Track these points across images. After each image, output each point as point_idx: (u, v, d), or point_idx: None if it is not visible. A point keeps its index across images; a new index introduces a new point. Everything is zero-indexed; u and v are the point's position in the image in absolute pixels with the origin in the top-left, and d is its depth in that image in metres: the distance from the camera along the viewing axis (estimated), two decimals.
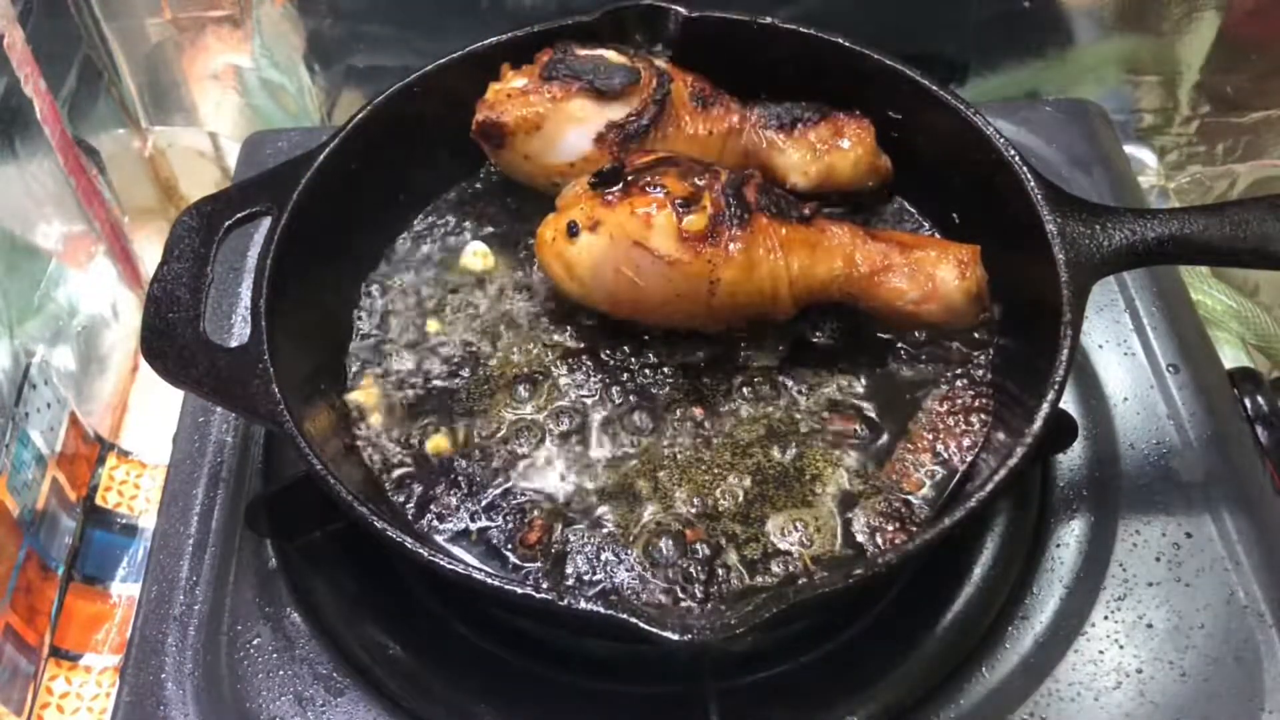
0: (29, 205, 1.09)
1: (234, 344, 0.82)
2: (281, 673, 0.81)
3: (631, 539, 0.79)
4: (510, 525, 0.80)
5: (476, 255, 0.96)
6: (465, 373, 0.89)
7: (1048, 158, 1.12)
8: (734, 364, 0.88)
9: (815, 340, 0.90)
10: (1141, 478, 0.89)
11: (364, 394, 0.88)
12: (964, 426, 0.84)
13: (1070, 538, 0.86)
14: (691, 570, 0.77)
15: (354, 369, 0.90)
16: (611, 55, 0.93)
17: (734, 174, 0.84)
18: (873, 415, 0.85)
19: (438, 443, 0.85)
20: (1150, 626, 0.81)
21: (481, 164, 1.00)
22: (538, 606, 0.68)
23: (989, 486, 0.70)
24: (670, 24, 0.96)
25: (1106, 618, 0.82)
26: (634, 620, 0.63)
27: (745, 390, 0.87)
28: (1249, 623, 0.81)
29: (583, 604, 0.66)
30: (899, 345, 0.89)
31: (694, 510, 0.81)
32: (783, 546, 0.79)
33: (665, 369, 0.88)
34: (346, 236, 0.92)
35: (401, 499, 0.82)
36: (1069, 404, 0.93)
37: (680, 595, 0.77)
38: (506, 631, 0.83)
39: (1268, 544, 0.85)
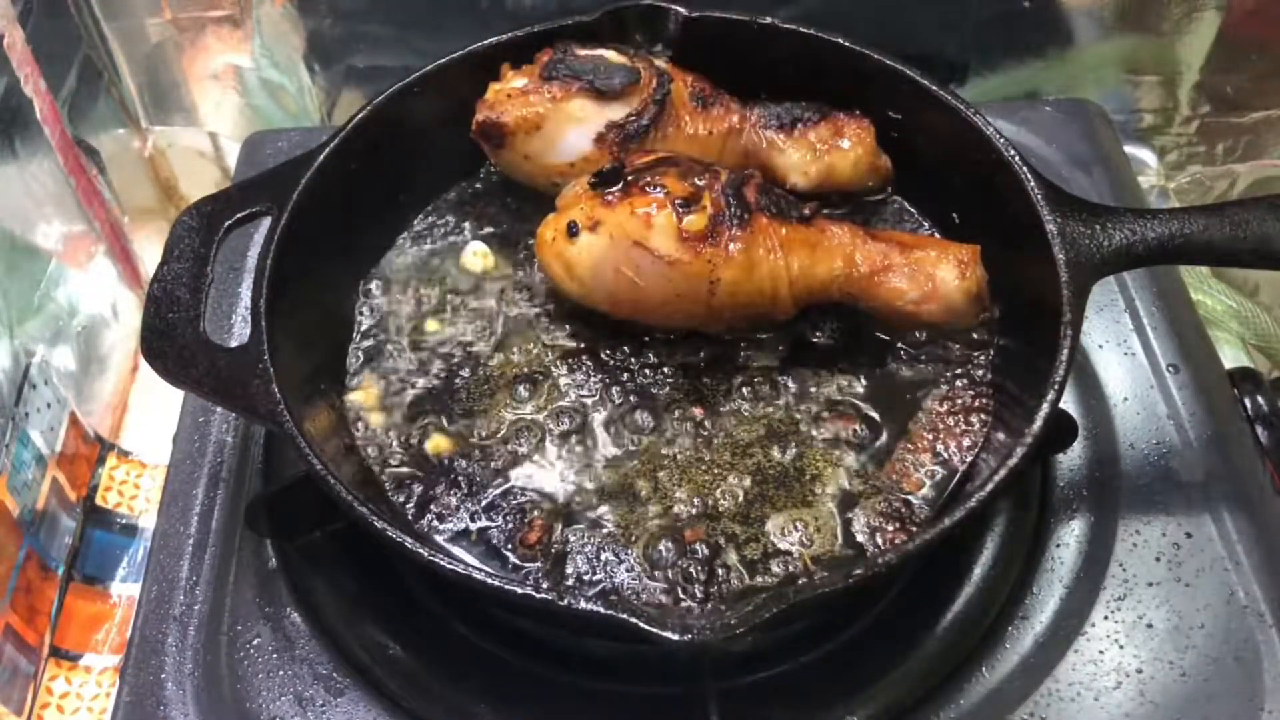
0: (29, 205, 1.09)
1: (234, 344, 0.82)
2: (281, 673, 0.81)
3: (631, 539, 0.79)
4: (510, 525, 0.80)
5: (476, 255, 0.96)
6: (465, 373, 0.89)
7: (1048, 158, 1.12)
8: (734, 364, 0.88)
9: (815, 340, 0.90)
10: (1141, 478, 0.89)
11: (364, 394, 0.88)
12: (964, 426, 0.84)
13: (1070, 538, 0.86)
14: (691, 570, 0.77)
15: (354, 369, 0.90)
16: (611, 55, 0.93)
17: (734, 174, 0.84)
18: (873, 415, 0.85)
19: (438, 443, 0.85)
20: (1150, 626, 0.81)
21: (481, 164, 1.00)
22: (538, 606, 0.68)
23: (989, 486, 0.70)
24: (670, 24, 0.96)
25: (1106, 618, 0.82)
26: (634, 620, 0.63)
27: (745, 390, 0.87)
28: (1249, 623, 0.81)
29: (583, 604, 0.66)
30: (899, 345, 0.89)
31: (694, 510, 0.81)
32: (783, 546, 0.79)
33: (665, 369, 0.88)
34: (346, 236, 0.92)
35: (401, 499, 0.82)
36: (1069, 404, 0.93)
37: (680, 595, 0.77)
38: (506, 631, 0.83)
39: (1268, 544, 0.85)
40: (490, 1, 1.20)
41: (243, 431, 0.94)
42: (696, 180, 0.83)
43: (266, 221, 0.85)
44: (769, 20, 0.95)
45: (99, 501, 1.11)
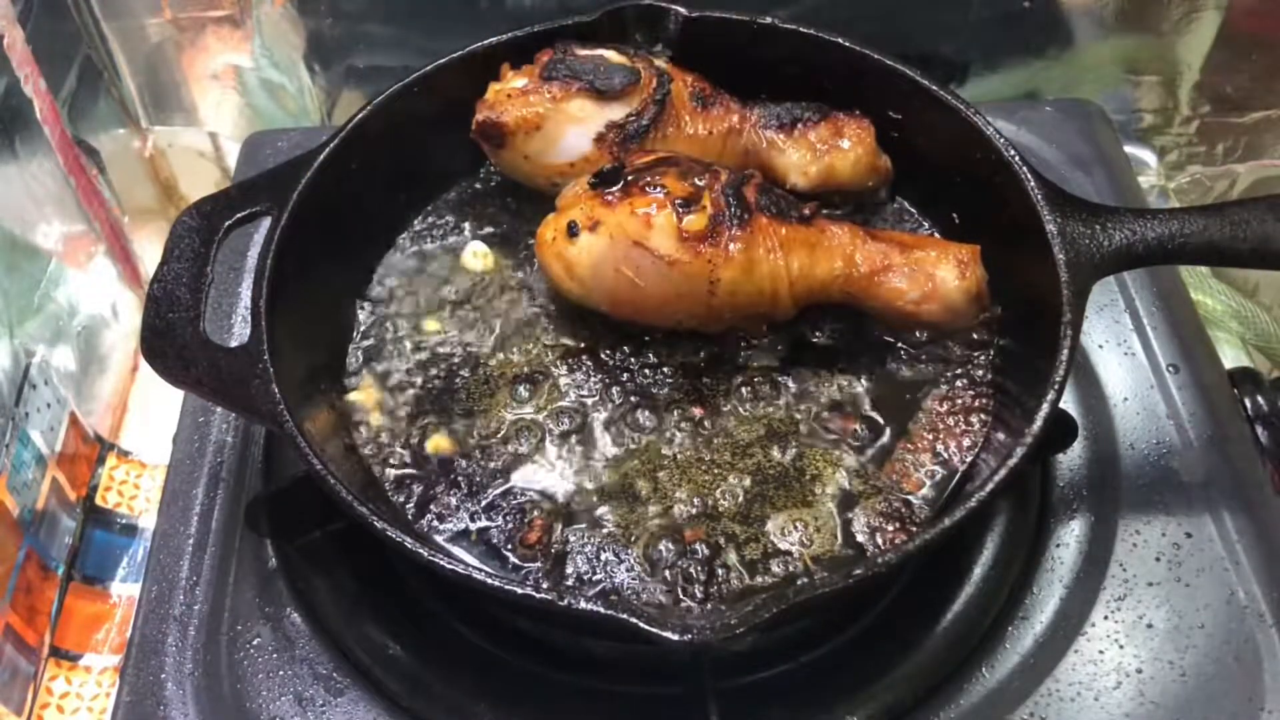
0: (29, 205, 1.09)
1: (234, 344, 0.82)
2: (281, 673, 0.81)
3: (631, 539, 0.79)
4: (510, 525, 0.80)
5: (476, 255, 0.96)
6: (465, 373, 0.89)
7: (1048, 158, 1.12)
8: (734, 364, 0.88)
9: (815, 340, 0.90)
10: (1141, 478, 0.89)
11: (364, 394, 0.88)
12: (964, 426, 0.84)
13: (1070, 538, 0.86)
14: (691, 570, 0.77)
15: (354, 369, 0.90)
16: (611, 55, 0.93)
17: (734, 174, 0.84)
18: (873, 415, 0.85)
19: (438, 443, 0.85)
20: (1150, 626, 0.81)
21: (481, 164, 1.00)
22: (538, 606, 0.68)
23: (989, 486, 0.70)
24: (670, 24, 0.96)
25: (1106, 618, 0.82)
26: (634, 620, 0.63)
27: (745, 390, 0.87)
28: (1249, 623, 0.81)
29: (583, 604, 0.66)
30: (899, 345, 0.89)
31: (694, 510, 0.81)
32: (783, 546, 0.79)
33: (665, 369, 0.88)
34: (346, 236, 0.92)
35: (401, 499, 0.82)
36: (1069, 404, 0.93)
37: (680, 595, 0.77)
38: (506, 631, 0.83)
39: (1268, 544, 0.85)
40: (490, 1, 1.20)
41: (243, 431, 0.94)
42: (696, 180, 0.83)
43: (266, 221, 0.85)
44: (769, 20, 0.95)
45: (99, 501, 1.11)
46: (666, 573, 0.77)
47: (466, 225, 0.99)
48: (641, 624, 0.63)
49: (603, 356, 0.89)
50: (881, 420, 0.85)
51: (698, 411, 0.86)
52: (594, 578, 0.77)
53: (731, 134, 0.94)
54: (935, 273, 0.83)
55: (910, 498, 0.81)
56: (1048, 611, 0.82)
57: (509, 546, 0.79)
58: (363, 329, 0.92)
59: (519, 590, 0.68)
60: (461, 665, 0.82)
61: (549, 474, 0.83)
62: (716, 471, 0.83)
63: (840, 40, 0.94)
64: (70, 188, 1.16)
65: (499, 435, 0.85)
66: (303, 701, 0.79)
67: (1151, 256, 0.80)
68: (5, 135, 1.06)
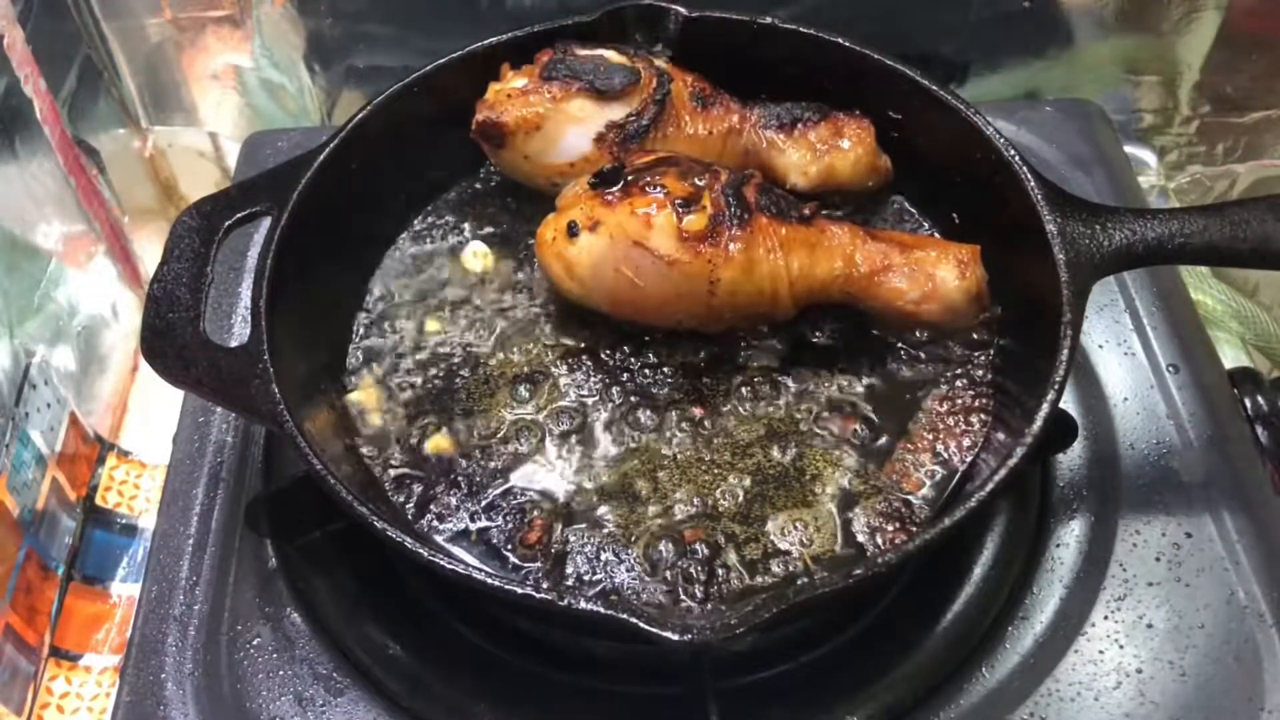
0: (29, 205, 1.09)
1: (234, 344, 0.82)
2: (281, 673, 0.81)
3: (631, 539, 0.79)
4: (510, 525, 0.80)
5: (476, 255, 0.96)
6: (465, 373, 0.89)
7: (1048, 158, 1.12)
8: (734, 364, 0.88)
9: (815, 340, 0.90)
10: (1141, 478, 0.89)
11: (364, 394, 0.88)
12: (964, 426, 0.84)
13: (1070, 538, 0.86)
14: (691, 570, 0.77)
15: (354, 369, 0.90)
16: (611, 55, 0.93)
17: (734, 174, 0.84)
18: (873, 415, 0.85)
19: (438, 443, 0.85)
20: (1150, 626, 0.81)
21: (481, 164, 1.00)
22: (538, 606, 0.68)
23: (989, 486, 0.70)
24: (670, 24, 0.96)
25: (1106, 618, 0.82)
26: (634, 620, 0.63)
27: (745, 390, 0.87)
28: (1249, 623, 0.81)
29: (583, 604, 0.66)
30: (899, 345, 0.89)
31: (694, 510, 0.81)
32: (783, 546, 0.79)
33: (665, 369, 0.88)
34: (346, 236, 0.92)
35: (401, 499, 0.82)
36: (1069, 404, 0.93)
37: (680, 595, 0.77)
38: (506, 631, 0.83)
39: (1268, 544, 0.85)
40: (490, 1, 1.20)
41: (243, 431, 0.94)
42: (696, 180, 0.83)
43: (266, 221, 0.85)
44: (769, 20, 0.95)
45: (99, 501, 1.11)
46: (666, 573, 0.77)
47: (466, 225, 0.99)
48: (641, 624, 0.63)
49: (603, 356, 0.89)
50: (881, 420, 0.85)
51: (698, 411, 0.86)
52: (594, 578, 0.77)
53: (731, 134, 0.94)
54: (935, 273, 0.84)
55: (910, 498, 0.81)
56: (1048, 611, 0.82)
57: (509, 546, 0.79)
58: (363, 329, 0.92)
59: (519, 590, 0.68)
60: (461, 665, 0.82)
61: (549, 474, 0.83)
62: (716, 471, 0.83)
63: (840, 40, 0.94)
64: (70, 188, 1.16)
65: (499, 435, 0.85)
66: (303, 701, 0.79)
67: (1151, 256, 0.80)
68: (5, 135, 1.06)
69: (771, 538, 0.79)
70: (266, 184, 0.87)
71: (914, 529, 0.79)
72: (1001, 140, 0.86)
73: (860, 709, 0.78)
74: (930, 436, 0.84)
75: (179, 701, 0.80)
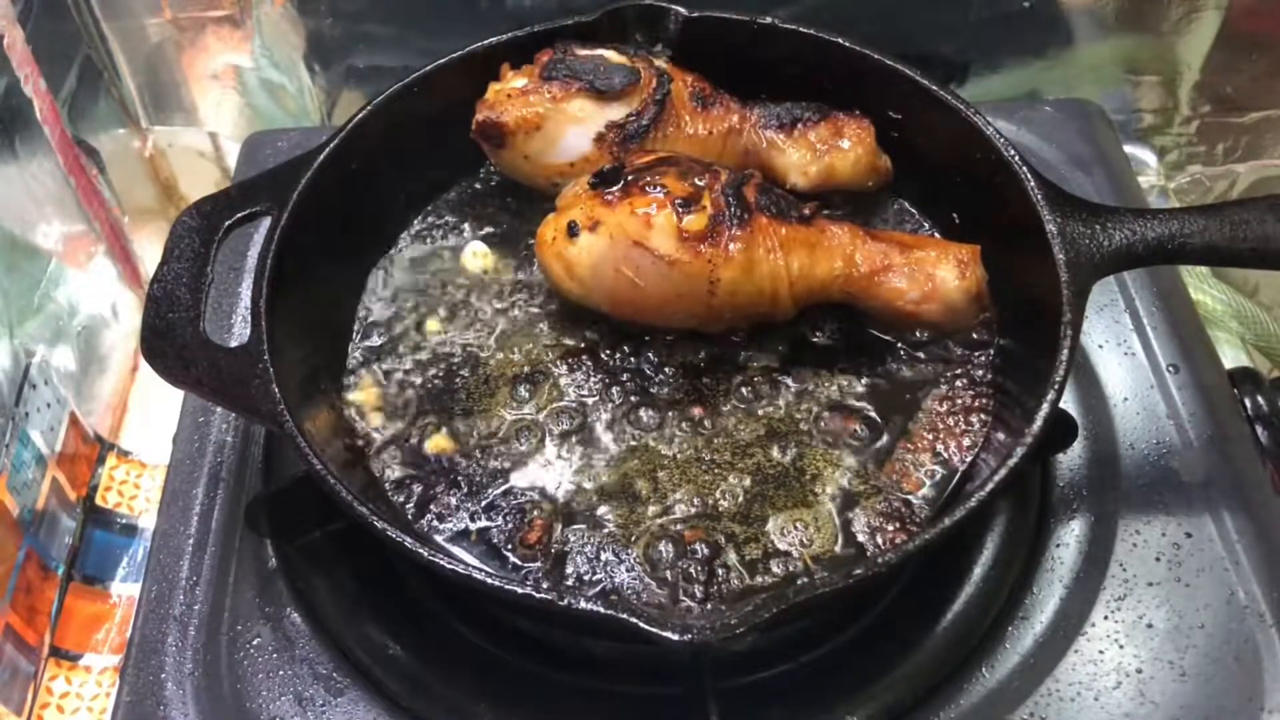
0: (29, 205, 1.09)
1: (234, 344, 0.82)
2: (281, 673, 0.81)
3: (631, 539, 0.79)
4: (510, 525, 0.80)
5: (476, 255, 0.96)
6: (465, 373, 0.89)
7: (1048, 158, 1.12)
8: (734, 364, 0.88)
9: (815, 340, 0.90)
10: (1141, 478, 0.89)
11: (364, 394, 0.88)
12: (964, 426, 0.84)
13: (1070, 538, 0.86)
14: (691, 570, 0.77)
15: (354, 369, 0.90)
16: (611, 55, 0.93)
17: (734, 174, 0.84)
18: (873, 415, 0.85)
19: (438, 443, 0.85)
20: (1150, 626, 0.81)
21: (481, 164, 1.00)
22: (538, 606, 0.68)
23: (989, 486, 0.70)
24: (670, 24, 0.96)
25: (1106, 618, 0.82)
26: (634, 620, 0.63)
27: (745, 390, 0.87)
28: (1249, 623, 0.81)
29: (583, 604, 0.66)
30: (899, 345, 0.89)
31: (694, 510, 0.81)
32: (783, 546, 0.79)
33: (665, 369, 0.88)
34: (346, 236, 0.92)
35: (401, 499, 0.82)
36: (1069, 404, 0.93)
37: (680, 595, 0.77)
38: (506, 631, 0.83)
39: (1268, 544, 0.85)
40: (490, 1, 1.20)
41: (243, 431, 0.94)
42: (696, 180, 0.83)
43: (266, 221, 0.85)
44: (769, 20, 0.95)
45: (99, 501, 1.11)
46: (666, 573, 0.77)
47: (466, 225, 0.99)
48: (641, 624, 0.63)
49: (603, 356, 0.89)
50: (881, 420, 0.85)
51: (698, 411, 0.86)
52: (594, 578, 0.77)
53: (731, 134, 0.94)
54: (935, 273, 0.84)
55: (910, 498, 0.81)
56: (1048, 611, 0.82)
57: (509, 546, 0.79)
58: (363, 329, 0.92)
59: (519, 590, 0.68)
60: (461, 665, 0.82)
61: (549, 474, 0.83)
62: (716, 471, 0.83)
63: (840, 40, 0.94)
64: (70, 188, 1.16)
65: (499, 435, 0.85)
66: (303, 701, 0.79)
67: (1151, 256, 0.80)
68: (5, 135, 1.06)
69: (771, 538, 0.79)
70: (266, 184, 0.87)
71: (914, 529, 0.79)
72: (1001, 140, 0.86)
73: (860, 709, 0.78)
74: (930, 436, 0.84)
75: (179, 701, 0.80)
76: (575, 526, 0.80)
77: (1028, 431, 0.72)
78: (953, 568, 0.84)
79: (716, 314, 0.85)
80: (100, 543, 1.08)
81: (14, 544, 0.96)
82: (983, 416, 0.85)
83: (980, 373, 0.87)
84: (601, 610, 0.65)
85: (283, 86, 1.31)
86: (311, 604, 0.84)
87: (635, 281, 0.83)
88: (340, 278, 0.93)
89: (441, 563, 0.69)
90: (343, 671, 0.81)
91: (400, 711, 0.79)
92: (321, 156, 0.87)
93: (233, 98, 1.32)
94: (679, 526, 0.80)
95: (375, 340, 0.91)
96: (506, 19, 1.20)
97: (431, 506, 0.81)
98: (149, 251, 1.30)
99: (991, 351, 0.88)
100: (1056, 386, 0.73)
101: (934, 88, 0.91)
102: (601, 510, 0.81)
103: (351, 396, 0.88)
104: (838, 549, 0.79)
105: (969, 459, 0.83)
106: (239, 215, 0.86)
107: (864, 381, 0.87)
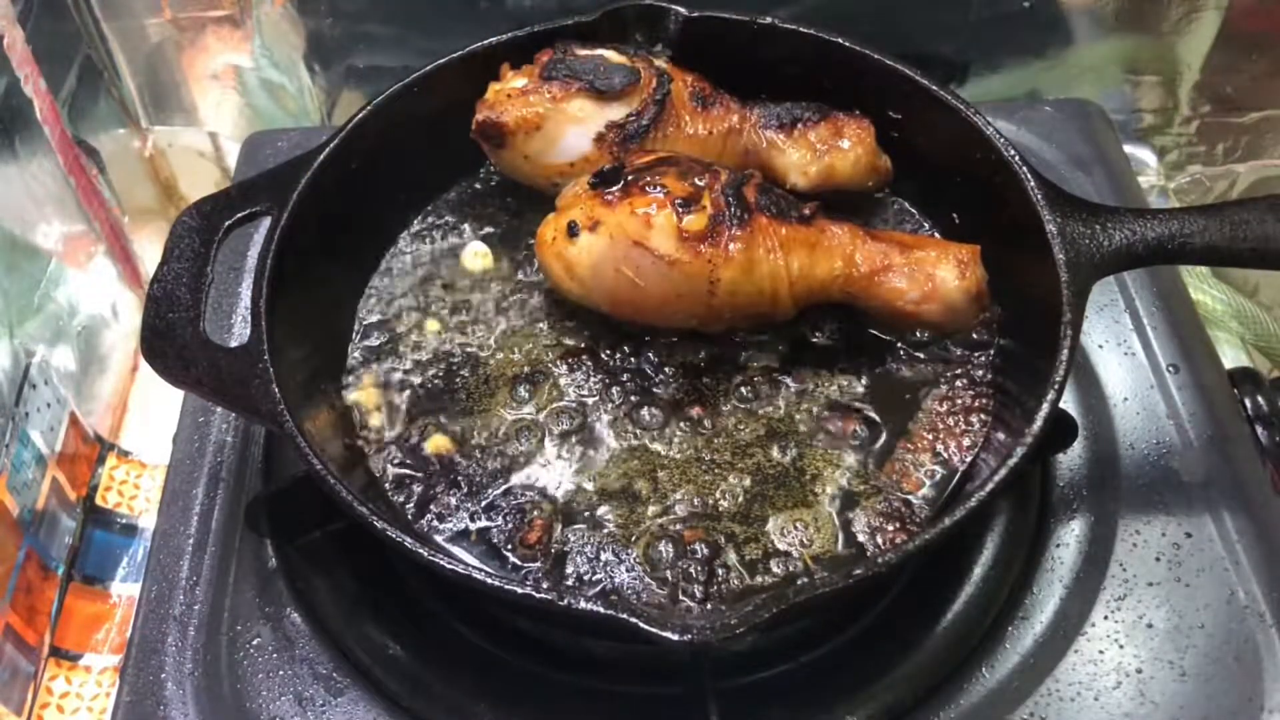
0: (29, 205, 1.09)
1: (234, 344, 0.82)
2: (281, 673, 0.81)
3: (631, 539, 0.79)
4: (510, 525, 0.80)
5: (476, 255, 0.96)
6: (465, 373, 0.89)
7: (1048, 158, 1.12)
8: (734, 364, 0.88)
9: (815, 340, 0.90)
10: (1141, 478, 0.89)
11: (364, 394, 0.88)
12: (964, 426, 0.84)
13: (1070, 538, 0.86)
14: (691, 570, 0.77)
15: (354, 369, 0.90)
16: (611, 55, 0.93)
17: (734, 174, 0.84)
18: (873, 415, 0.85)
19: (438, 443, 0.85)
20: (1150, 626, 0.81)
21: (481, 164, 1.00)
22: (538, 606, 0.68)
23: (989, 486, 0.70)
24: (670, 24, 0.96)
25: (1106, 618, 0.82)
26: (634, 620, 0.63)
27: (745, 390, 0.87)
28: (1249, 623, 0.81)
29: (583, 604, 0.66)
30: (899, 345, 0.89)
31: (694, 510, 0.81)
32: (783, 546, 0.79)
33: (665, 369, 0.88)
34: (346, 236, 0.92)
35: (401, 499, 0.82)
36: (1069, 404, 0.93)
37: (680, 595, 0.77)
38: (506, 631, 0.83)
39: (1268, 544, 0.85)
40: (490, 1, 1.20)
41: (243, 431, 0.94)
42: (696, 180, 0.83)
43: (266, 221, 0.85)
44: (769, 20, 0.95)
45: (99, 501, 1.11)
46: (667, 573, 0.77)
47: (466, 225, 0.99)
48: (641, 624, 0.63)
49: (603, 356, 0.89)
50: (881, 420, 0.85)
51: (698, 411, 0.86)
52: (594, 578, 0.77)
53: (731, 134, 0.94)
54: (935, 273, 0.84)
55: (910, 498, 0.81)
56: (1048, 611, 0.82)
57: (509, 546, 0.79)
58: (363, 329, 0.92)
59: (519, 590, 0.68)
60: (461, 665, 0.82)
61: (549, 474, 0.83)
62: (716, 471, 0.83)
63: (840, 40, 0.94)
64: (70, 188, 1.16)
65: (499, 435, 0.85)
66: (303, 701, 0.79)
67: (1151, 256, 0.80)
68: (5, 135, 1.06)
69: (771, 538, 0.79)
70: (266, 184, 0.87)
71: (914, 529, 0.79)
72: (1001, 140, 0.86)
73: (860, 709, 0.78)
74: (930, 436, 0.84)
75: (179, 701, 0.80)
76: (575, 526, 0.80)
77: (1028, 431, 0.72)
78: (953, 568, 0.84)
79: (716, 314, 0.85)
80: (100, 543, 1.08)
81: (14, 544, 0.96)
82: (983, 416, 0.85)
83: (980, 373, 0.87)
84: (601, 610, 0.65)
85: (283, 86, 1.31)
86: (311, 604, 0.84)
87: (635, 281, 0.83)
88: (340, 278, 0.93)
89: (441, 563, 0.69)
90: (343, 671, 0.81)
91: (400, 711, 0.79)
92: (321, 156, 0.87)
93: (233, 98, 1.32)
94: (679, 526, 0.80)
95: (375, 340, 0.91)
96: (506, 19, 1.20)
97: (431, 506, 0.81)
98: (149, 251, 1.30)
99: (991, 351, 0.88)
100: (1056, 386, 0.73)
101: (934, 88, 0.91)
102: (601, 510, 0.81)
103: (351, 396, 0.88)
104: (838, 549, 0.79)
105: (969, 459, 0.83)
106: (239, 215, 0.86)
107: (864, 381, 0.87)
